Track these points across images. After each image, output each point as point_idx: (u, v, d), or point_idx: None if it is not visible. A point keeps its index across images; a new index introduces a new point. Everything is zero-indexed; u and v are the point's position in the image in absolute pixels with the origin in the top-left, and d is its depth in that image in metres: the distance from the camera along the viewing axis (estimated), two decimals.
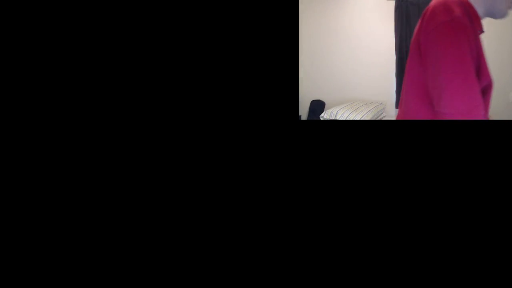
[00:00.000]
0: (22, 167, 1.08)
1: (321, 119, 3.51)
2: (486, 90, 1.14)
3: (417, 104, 1.17)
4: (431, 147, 1.10)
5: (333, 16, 4.16)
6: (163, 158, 1.10)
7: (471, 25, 1.09)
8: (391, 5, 3.99)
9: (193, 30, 1.08)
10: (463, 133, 1.09)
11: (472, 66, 1.03)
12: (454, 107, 1.03)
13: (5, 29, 1.05)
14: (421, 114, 1.15)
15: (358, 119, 3.24)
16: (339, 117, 3.37)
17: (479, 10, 1.16)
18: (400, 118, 1.23)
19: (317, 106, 4.31)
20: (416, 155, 1.10)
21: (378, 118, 3.73)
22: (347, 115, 3.41)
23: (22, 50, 1.07)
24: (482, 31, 1.17)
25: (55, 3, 1.07)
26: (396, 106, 4.02)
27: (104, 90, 1.10)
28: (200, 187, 1.11)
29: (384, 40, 4.04)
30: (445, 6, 1.09)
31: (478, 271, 1.08)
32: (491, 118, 1.39)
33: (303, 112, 4.44)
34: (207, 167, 1.11)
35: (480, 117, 1.04)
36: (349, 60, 4.24)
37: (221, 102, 1.10)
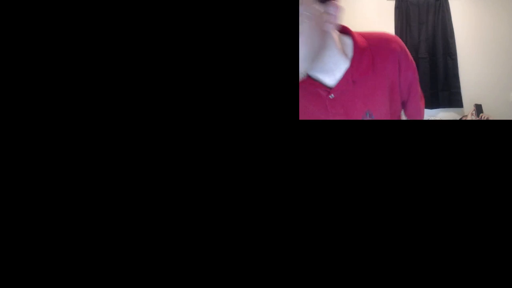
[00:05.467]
0: (22, 167, 1.08)
1: None
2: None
3: None
4: (431, 147, 1.10)
5: None
6: (162, 159, 1.10)
7: None
8: (391, 5, 3.99)
9: (192, 30, 1.08)
10: (463, 133, 1.09)
11: None
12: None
13: (5, 29, 1.05)
14: None
15: None
16: None
17: None
18: None
19: None
20: (416, 155, 1.10)
21: None
22: None
23: (22, 50, 1.07)
24: None
25: (55, 3, 1.07)
26: None
27: (104, 90, 1.10)
28: (199, 188, 1.11)
29: None
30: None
31: (478, 273, 1.08)
32: (491, 118, 1.41)
33: None
34: (206, 167, 1.10)
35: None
36: None
37: (221, 102, 1.10)
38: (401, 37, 3.91)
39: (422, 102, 1.27)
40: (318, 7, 0.92)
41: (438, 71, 3.87)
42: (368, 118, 1.13)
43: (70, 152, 1.09)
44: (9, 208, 1.07)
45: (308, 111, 1.14)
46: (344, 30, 1.11)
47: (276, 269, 1.11)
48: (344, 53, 1.04)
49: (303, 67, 0.93)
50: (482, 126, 1.08)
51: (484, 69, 3.81)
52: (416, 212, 1.11)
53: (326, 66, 1.02)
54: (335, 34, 1.05)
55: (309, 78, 1.07)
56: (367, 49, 1.07)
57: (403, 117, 1.28)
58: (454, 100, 3.85)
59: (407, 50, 1.13)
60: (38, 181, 1.09)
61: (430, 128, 1.11)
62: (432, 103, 3.93)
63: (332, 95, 1.06)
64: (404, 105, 1.24)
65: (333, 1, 0.97)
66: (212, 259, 1.12)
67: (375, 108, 1.13)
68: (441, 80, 3.88)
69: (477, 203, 1.09)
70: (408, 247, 1.11)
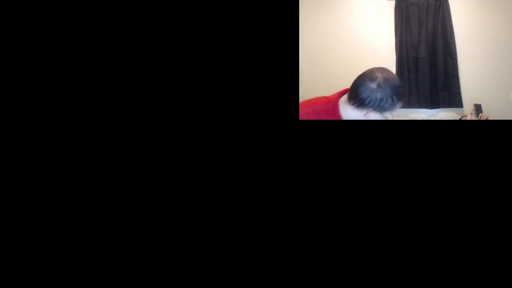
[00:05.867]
0: (22, 167, 1.08)
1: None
2: None
3: None
4: (431, 147, 1.10)
5: (333, 16, 4.16)
6: (163, 157, 1.10)
7: None
8: (391, 5, 3.99)
9: (193, 31, 1.08)
10: (463, 133, 1.09)
11: None
12: None
13: (5, 29, 1.05)
14: None
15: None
16: None
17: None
18: None
19: None
20: (416, 154, 1.10)
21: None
22: None
23: (22, 50, 1.07)
24: None
25: (55, 3, 1.07)
26: None
27: (105, 90, 1.10)
28: (200, 186, 1.11)
29: (384, 40, 4.03)
30: None
31: (477, 272, 1.08)
32: (491, 118, 1.41)
33: None
34: (206, 166, 1.10)
35: None
36: (349, 60, 4.24)
37: (222, 102, 1.10)
38: (401, 37, 3.90)
39: None
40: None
41: (438, 71, 3.86)
42: None
43: (70, 152, 1.09)
44: (9, 208, 1.07)
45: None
46: None
47: (275, 267, 1.11)
48: None
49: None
50: (482, 126, 1.08)
51: (484, 69, 3.81)
52: (416, 211, 1.11)
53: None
54: None
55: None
56: None
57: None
58: (454, 100, 3.84)
59: None
60: (38, 180, 1.09)
61: (430, 128, 1.11)
62: (432, 103, 3.92)
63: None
64: None
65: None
66: (212, 257, 1.12)
67: None
68: (441, 80, 3.87)
69: (477, 202, 1.09)
70: (408, 245, 1.11)
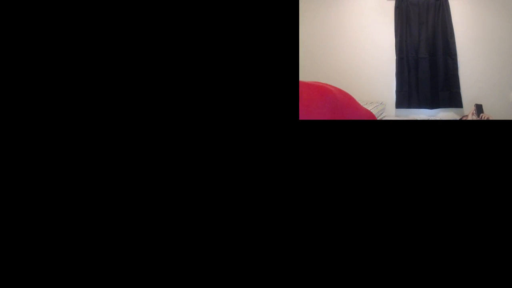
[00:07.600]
0: (22, 167, 1.08)
1: None
2: None
3: None
4: (431, 147, 1.10)
5: (333, 16, 4.16)
6: (162, 158, 1.10)
7: None
8: (391, 5, 3.99)
9: (193, 31, 1.08)
10: (463, 133, 1.09)
11: None
12: None
13: (5, 29, 1.05)
14: None
15: None
16: None
17: None
18: None
19: None
20: (416, 155, 1.10)
21: (378, 118, 3.73)
22: None
23: (22, 50, 1.07)
24: None
25: (55, 3, 1.07)
26: (396, 106, 4.01)
27: (105, 90, 1.10)
28: (200, 186, 1.11)
29: (384, 40, 4.04)
30: None
31: (477, 271, 1.08)
32: (491, 118, 1.41)
33: None
34: (207, 166, 1.10)
35: None
36: (349, 60, 4.24)
37: (222, 102, 1.10)
38: (401, 37, 3.91)
39: None
40: None
41: (438, 71, 3.87)
42: None
43: (70, 152, 1.09)
44: (9, 208, 1.07)
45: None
46: None
47: (275, 267, 1.11)
48: None
49: None
50: (482, 126, 1.08)
51: (484, 69, 3.81)
52: (416, 211, 1.11)
53: None
54: None
55: None
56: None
57: None
58: (454, 100, 3.85)
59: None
60: (38, 181, 1.09)
61: (430, 128, 1.11)
62: (432, 103, 3.93)
63: None
64: None
65: None
66: (212, 257, 1.12)
67: None
68: (441, 80, 3.88)
69: (477, 202, 1.09)
70: (408, 245, 1.11)
